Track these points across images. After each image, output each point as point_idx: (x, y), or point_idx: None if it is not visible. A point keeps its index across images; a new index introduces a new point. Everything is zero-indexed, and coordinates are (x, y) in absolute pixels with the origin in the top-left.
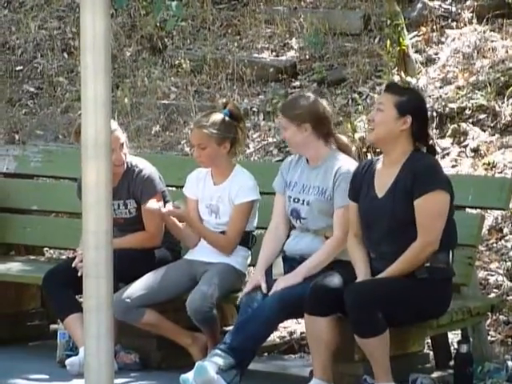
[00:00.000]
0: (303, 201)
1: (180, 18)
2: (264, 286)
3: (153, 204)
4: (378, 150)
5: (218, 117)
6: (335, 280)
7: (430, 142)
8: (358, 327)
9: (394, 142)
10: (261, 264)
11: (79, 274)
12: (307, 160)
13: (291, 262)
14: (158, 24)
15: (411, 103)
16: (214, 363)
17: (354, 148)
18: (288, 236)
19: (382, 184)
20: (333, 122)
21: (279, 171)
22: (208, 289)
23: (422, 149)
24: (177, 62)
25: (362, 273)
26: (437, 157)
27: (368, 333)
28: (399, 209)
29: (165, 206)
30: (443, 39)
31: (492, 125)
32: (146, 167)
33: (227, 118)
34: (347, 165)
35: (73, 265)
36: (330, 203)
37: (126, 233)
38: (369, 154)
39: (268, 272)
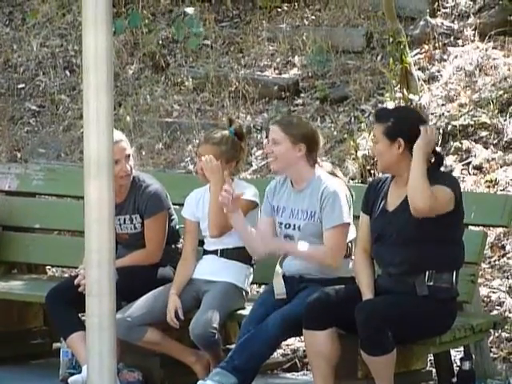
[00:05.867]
0: (294, 226)
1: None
2: None
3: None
4: None
5: (226, 135)
6: (332, 295)
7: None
8: (368, 345)
9: (398, 166)
10: None
11: (80, 290)
12: (291, 183)
13: (291, 282)
14: (160, 42)
15: (397, 126)
16: (216, 382)
17: (356, 165)
18: (285, 256)
19: (394, 200)
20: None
21: (265, 195)
22: (210, 314)
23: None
24: (179, 79)
25: (367, 290)
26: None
27: (377, 351)
28: (406, 226)
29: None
30: (445, 57)
31: (495, 142)
32: (153, 183)
33: (234, 138)
34: (333, 185)
35: (75, 282)
36: (320, 226)
37: (131, 249)
38: (372, 172)
39: (270, 293)
